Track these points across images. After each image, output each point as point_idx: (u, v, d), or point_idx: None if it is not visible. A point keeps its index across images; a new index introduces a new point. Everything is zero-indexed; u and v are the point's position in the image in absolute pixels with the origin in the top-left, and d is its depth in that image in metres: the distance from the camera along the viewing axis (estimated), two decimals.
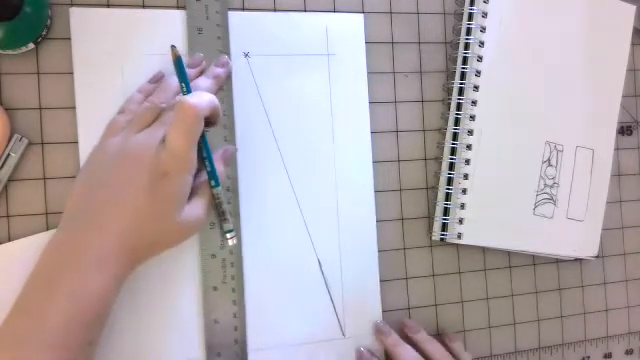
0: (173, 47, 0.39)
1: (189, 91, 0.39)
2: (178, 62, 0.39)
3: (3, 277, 0.38)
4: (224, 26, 0.44)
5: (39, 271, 0.35)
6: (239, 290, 0.43)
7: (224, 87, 0.44)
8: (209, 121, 0.38)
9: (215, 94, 0.41)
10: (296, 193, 0.46)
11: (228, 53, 0.44)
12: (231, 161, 0.44)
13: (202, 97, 0.37)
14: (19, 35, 0.38)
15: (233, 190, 0.44)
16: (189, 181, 0.38)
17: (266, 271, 0.45)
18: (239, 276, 0.44)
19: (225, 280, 0.43)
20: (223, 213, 0.42)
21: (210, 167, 0.40)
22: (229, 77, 0.44)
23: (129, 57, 0.42)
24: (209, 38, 0.44)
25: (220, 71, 0.43)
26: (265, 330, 0.44)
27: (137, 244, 0.37)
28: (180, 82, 0.39)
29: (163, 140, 0.37)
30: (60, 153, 0.41)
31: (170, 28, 0.43)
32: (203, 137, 0.40)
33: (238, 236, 0.44)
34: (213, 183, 0.41)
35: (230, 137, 0.44)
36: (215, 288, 0.43)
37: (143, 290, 0.42)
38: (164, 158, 0.36)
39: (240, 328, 0.43)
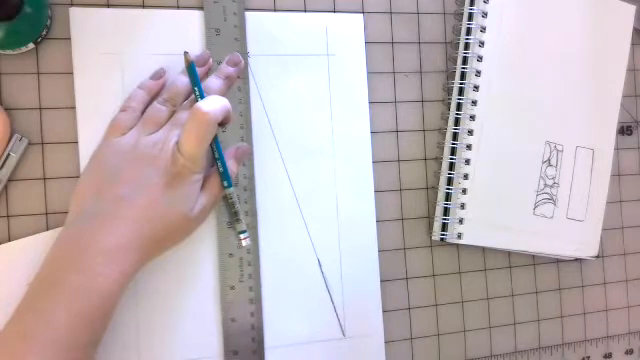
0: (186, 53, 0.40)
1: (202, 96, 0.40)
2: (191, 68, 0.40)
3: (3, 277, 0.38)
4: (241, 27, 0.44)
5: (46, 268, 0.36)
6: (256, 289, 0.44)
7: (240, 87, 0.44)
8: (220, 123, 0.39)
9: (226, 93, 0.42)
10: (296, 193, 0.46)
11: (245, 54, 0.44)
12: (247, 160, 0.44)
13: (215, 103, 0.38)
14: (19, 35, 0.38)
15: (250, 189, 0.44)
16: (200, 180, 0.39)
17: (269, 270, 0.45)
18: (256, 275, 0.44)
19: (242, 279, 0.43)
20: (236, 214, 0.42)
21: (222, 168, 0.41)
22: (246, 77, 0.44)
23: (129, 57, 0.42)
24: (227, 40, 0.44)
25: (231, 70, 0.43)
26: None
27: (147, 240, 0.37)
28: (193, 87, 0.40)
29: (177, 142, 0.38)
30: (60, 153, 0.41)
31: (170, 28, 0.43)
32: (215, 139, 0.40)
33: (255, 235, 0.44)
34: (225, 184, 0.41)
35: (247, 137, 0.44)
36: (232, 287, 0.43)
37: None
38: (178, 160, 0.38)
39: (257, 327, 0.43)
